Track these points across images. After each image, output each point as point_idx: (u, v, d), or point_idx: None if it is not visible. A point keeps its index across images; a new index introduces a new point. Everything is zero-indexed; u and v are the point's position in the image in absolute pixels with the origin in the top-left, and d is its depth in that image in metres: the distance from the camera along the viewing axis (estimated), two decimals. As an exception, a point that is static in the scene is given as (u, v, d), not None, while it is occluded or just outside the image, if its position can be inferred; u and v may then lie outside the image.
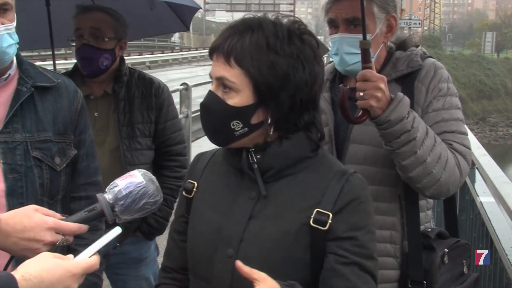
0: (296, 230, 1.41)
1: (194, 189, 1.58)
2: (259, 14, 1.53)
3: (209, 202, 1.53)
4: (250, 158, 1.46)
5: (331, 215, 1.40)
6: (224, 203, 1.50)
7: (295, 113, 1.44)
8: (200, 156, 1.66)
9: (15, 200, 1.66)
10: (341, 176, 1.45)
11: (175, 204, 2.85)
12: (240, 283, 1.35)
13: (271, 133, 1.45)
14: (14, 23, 1.71)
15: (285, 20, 1.46)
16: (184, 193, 1.61)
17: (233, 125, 1.42)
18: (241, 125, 1.43)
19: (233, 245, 1.44)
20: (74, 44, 2.65)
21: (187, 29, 3.35)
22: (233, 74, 1.41)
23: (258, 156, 1.45)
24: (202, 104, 1.47)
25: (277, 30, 1.42)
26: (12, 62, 1.76)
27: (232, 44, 1.41)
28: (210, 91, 1.46)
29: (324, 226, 1.40)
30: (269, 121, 1.43)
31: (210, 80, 1.48)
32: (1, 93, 1.74)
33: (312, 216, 1.41)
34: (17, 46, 1.74)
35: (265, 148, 1.45)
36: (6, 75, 1.75)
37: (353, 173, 1.47)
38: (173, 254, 1.64)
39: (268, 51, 1.40)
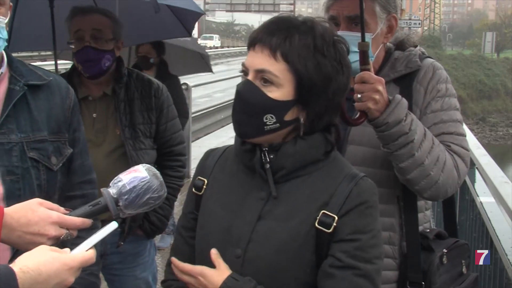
0: (304, 232, 1.41)
1: (204, 186, 1.57)
2: (291, 13, 1.53)
3: (219, 201, 1.52)
4: (263, 158, 1.45)
5: (336, 217, 1.40)
6: (234, 202, 1.49)
7: (324, 115, 1.44)
8: (210, 152, 1.64)
9: (13, 203, 1.61)
10: (351, 179, 1.45)
11: (175, 203, 2.91)
12: None
13: (301, 133, 1.44)
14: (5, 19, 1.64)
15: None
16: (193, 189, 1.59)
17: (266, 119, 1.41)
18: (274, 120, 1.41)
19: (241, 245, 1.44)
20: (73, 46, 2.63)
21: (189, 34, 3.41)
22: (277, 68, 1.40)
23: (271, 156, 1.44)
24: (238, 91, 1.44)
25: (324, 33, 1.43)
26: (2, 60, 1.71)
27: (280, 39, 1.40)
28: (248, 80, 1.43)
29: (329, 229, 1.39)
30: (302, 120, 1.43)
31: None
32: None
33: (318, 217, 1.40)
34: (5, 43, 1.66)
35: (279, 148, 1.44)
36: None
37: (364, 177, 1.47)
38: (180, 250, 1.62)
39: (315, 52, 1.40)
